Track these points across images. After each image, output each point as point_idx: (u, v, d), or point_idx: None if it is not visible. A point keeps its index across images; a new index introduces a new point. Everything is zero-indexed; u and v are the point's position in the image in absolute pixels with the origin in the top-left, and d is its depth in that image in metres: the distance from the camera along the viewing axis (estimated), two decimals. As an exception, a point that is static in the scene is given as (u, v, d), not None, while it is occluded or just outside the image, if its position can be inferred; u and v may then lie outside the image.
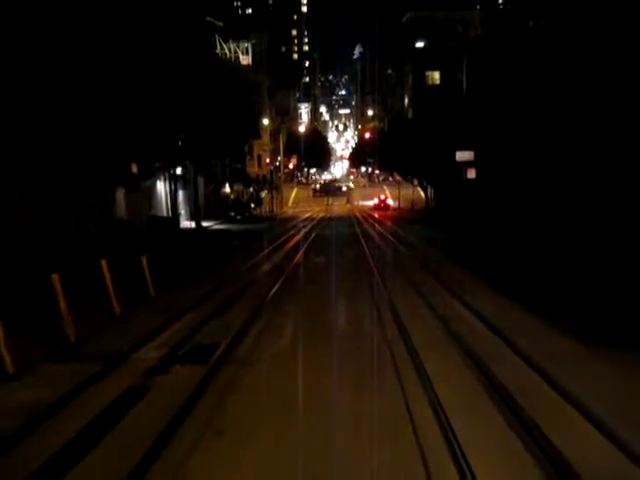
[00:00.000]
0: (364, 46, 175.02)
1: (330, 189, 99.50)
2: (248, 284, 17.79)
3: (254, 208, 63.95)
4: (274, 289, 16.35)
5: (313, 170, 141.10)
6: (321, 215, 64.02)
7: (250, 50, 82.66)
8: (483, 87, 46.47)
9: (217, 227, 49.54)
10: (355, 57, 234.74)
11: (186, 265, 22.57)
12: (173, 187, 46.42)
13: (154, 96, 40.07)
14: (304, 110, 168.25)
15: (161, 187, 48.85)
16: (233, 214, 56.03)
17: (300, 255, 24.92)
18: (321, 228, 42.75)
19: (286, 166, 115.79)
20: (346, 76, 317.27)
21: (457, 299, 14.47)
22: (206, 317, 12.98)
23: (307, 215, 64.99)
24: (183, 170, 53.28)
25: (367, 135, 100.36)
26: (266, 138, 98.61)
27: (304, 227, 45.04)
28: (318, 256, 24.68)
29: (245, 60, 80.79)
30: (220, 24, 66.54)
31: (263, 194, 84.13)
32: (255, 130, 61.85)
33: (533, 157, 37.73)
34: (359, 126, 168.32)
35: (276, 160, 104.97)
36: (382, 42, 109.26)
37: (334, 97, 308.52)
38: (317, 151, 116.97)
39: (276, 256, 25.29)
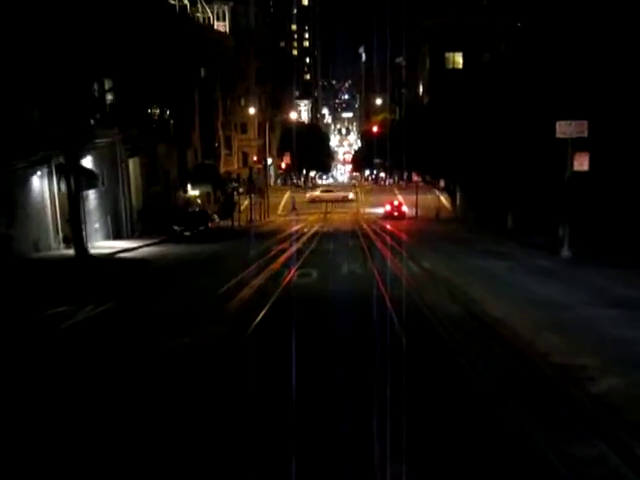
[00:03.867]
0: (370, 37, 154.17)
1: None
2: None
3: (219, 218, 43.10)
4: None
5: (313, 173, 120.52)
6: (316, 228, 43.27)
7: (228, 16, 62.00)
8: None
9: (138, 253, 28.72)
10: (359, 55, 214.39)
11: None
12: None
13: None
14: (303, 108, 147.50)
15: (42, 188, 28.07)
16: (179, 229, 35.29)
17: None
18: (306, 262, 21.74)
19: (279, 166, 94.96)
20: (349, 81, 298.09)
21: None
22: None
23: (297, 228, 44.26)
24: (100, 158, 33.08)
25: (375, 129, 79.77)
26: (253, 132, 78.08)
27: (282, 253, 24.63)
28: None
29: (221, 27, 60.26)
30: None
31: (245, 201, 63.41)
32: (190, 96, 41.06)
33: None
34: (363, 127, 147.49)
35: (268, 158, 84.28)
36: (391, 27, 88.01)
37: (337, 101, 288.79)
38: (316, 150, 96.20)
39: None
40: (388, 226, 43.30)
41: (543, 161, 33.76)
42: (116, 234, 35.13)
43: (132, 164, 38.21)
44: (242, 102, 79.47)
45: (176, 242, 33.68)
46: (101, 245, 30.83)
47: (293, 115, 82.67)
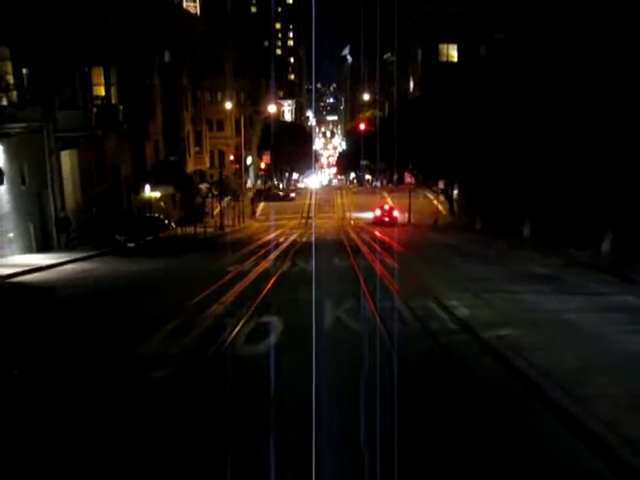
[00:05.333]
0: (356, 35, 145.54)
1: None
2: None
3: (176, 225, 35.29)
4: None
5: (296, 176, 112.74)
6: (294, 237, 35.75)
7: (199, -5, 54.24)
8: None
9: (52, 273, 20.93)
10: (344, 58, 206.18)
11: None
12: None
13: None
14: (287, 108, 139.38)
15: None
16: (122, 239, 27.40)
17: None
18: (270, 300, 13.91)
19: (259, 167, 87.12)
20: (334, 84, 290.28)
21: None
22: None
23: (272, 236, 36.76)
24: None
25: (362, 126, 72.20)
26: (230, 129, 70.31)
27: (238, 279, 16.97)
28: None
29: (191, 7, 52.42)
30: None
31: (224, 203, 55.89)
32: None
33: None
34: (349, 126, 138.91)
35: (246, 159, 76.56)
36: (380, 20, 79.82)
37: (321, 104, 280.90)
38: (299, 151, 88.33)
39: None
40: (381, 235, 35.71)
41: (571, 156, 26.49)
42: (42, 246, 27.27)
43: (67, 158, 30.32)
44: (218, 97, 71.54)
45: (114, 256, 25.81)
46: (9, 262, 22.94)
47: (272, 108, 74.08)
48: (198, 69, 53.35)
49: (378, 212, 50.05)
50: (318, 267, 19.28)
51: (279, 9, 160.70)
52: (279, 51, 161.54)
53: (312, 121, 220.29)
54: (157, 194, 41.83)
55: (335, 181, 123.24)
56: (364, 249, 26.37)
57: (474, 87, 40.51)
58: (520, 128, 32.64)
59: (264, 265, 20.79)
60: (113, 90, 32.58)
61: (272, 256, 24.18)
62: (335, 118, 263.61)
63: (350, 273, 18.13)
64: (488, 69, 41.48)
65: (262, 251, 26.34)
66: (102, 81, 32.04)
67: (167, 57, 45.39)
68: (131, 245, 26.98)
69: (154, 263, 23.56)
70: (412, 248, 27.56)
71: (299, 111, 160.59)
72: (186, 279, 18.40)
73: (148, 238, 27.47)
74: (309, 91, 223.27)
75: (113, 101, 32.58)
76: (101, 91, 32.05)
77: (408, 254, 24.66)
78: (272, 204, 65.45)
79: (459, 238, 34.30)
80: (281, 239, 34.32)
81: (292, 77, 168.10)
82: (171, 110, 46.19)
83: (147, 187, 40.63)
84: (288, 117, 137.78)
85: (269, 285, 15.74)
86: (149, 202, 41.57)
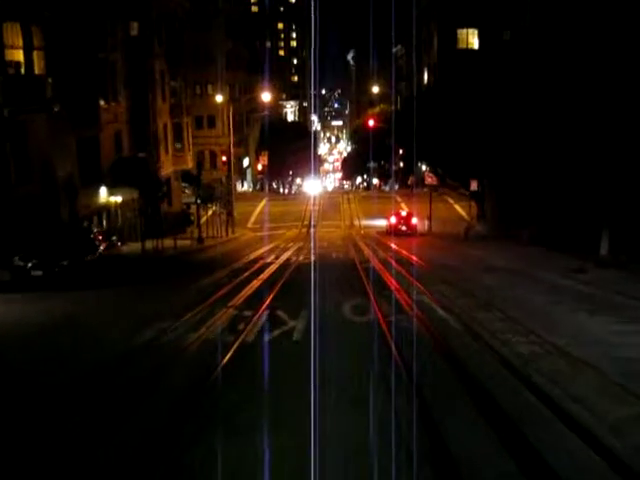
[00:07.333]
0: (362, 35, 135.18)
1: None
2: None
3: (120, 241, 25.77)
4: None
5: (299, 180, 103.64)
6: (289, 254, 26.50)
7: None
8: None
9: None
10: (348, 60, 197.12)
11: None
12: None
13: None
14: (289, 109, 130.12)
15: None
16: (24, 265, 17.85)
17: None
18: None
19: (256, 169, 77.74)
20: (339, 90, 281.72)
21: None
22: None
23: (260, 253, 27.56)
24: None
25: (371, 122, 62.98)
26: (221, 127, 61.04)
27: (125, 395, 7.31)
28: None
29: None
30: None
31: (212, 209, 47.17)
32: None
33: None
34: (355, 123, 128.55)
35: (242, 160, 67.41)
36: (388, 14, 69.95)
37: (326, 109, 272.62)
38: (302, 152, 78.89)
39: None
40: (402, 249, 26.18)
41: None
42: None
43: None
44: (208, 90, 62.34)
45: (1, 293, 16.37)
46: None
47: (266, 96, 63.90)
48: (179, 52, 44.28)
49: (393, 219, 40.50)
50: (316, 329, 9.82)
51: (281, 9, 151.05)
52: (282, 52, 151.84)
53: (316, 125, 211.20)
54: (118, 199, 32.45)
55: (347, 186, 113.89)
56: (387, 278, 16.96)
57: (517, 70, 31.18)
58: (583, 114, 23.36)
59: (221, 319, 11.40)
60: (36, 56, 23.29)
61: (244, 293, 14.77)
62: (340, 123, 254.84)
63: (376, 352, 8.69)
64: (529, 49, 32.24)
65: (233, 282, 16.96)
66: (20, 43, 22.78)
67: (134, 30, 36.19)
68: (37, 274, 17.54)
69: (50, 308, 14.10)
70: (458, 274, 18.11)
71: (303, 115, 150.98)
72: (51, 369, 9.04)
73: (64, 263, 18.07)
74: (314, 96, 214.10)
75: (37, 71, 23.26)
76: (18, 56, 22.77)
77: (457, 285, 15.24)
78: (267, 212, 55.94)
79: (509, 256, 24.69)
80: (272, 258, 24.88)
81: (295, 78, 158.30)
82: (141, 97, 36.95)
83: (103, 190, 31.28)
84: (291, 119, 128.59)
85: (209, 399, 6.33)
86: (107, 210, 32.24)
